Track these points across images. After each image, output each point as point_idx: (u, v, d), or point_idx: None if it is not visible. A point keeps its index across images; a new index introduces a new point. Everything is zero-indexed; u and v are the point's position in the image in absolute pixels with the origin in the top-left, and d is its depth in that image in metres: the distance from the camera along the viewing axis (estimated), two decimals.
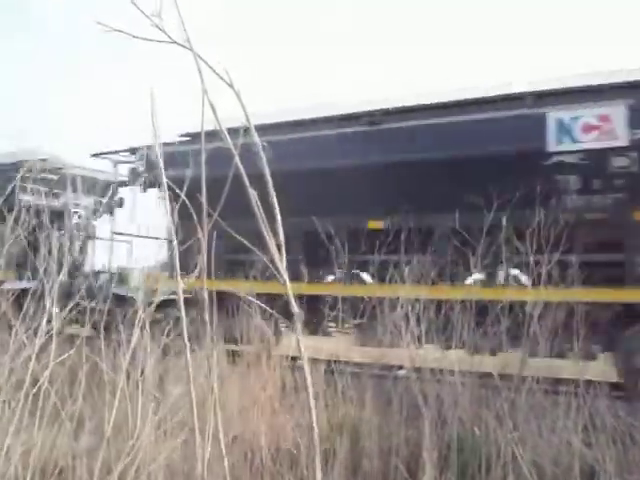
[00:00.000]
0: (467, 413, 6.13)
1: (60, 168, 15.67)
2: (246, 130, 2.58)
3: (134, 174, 14.20)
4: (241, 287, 9.84)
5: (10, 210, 7.27)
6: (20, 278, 12.86)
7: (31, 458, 4.08)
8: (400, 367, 7.68)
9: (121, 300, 11.42)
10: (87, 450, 4.30)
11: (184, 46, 2.60)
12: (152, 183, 13.44)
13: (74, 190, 15.68)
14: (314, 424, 2.50)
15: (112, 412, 3.77)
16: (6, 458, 3.89)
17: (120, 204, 15.65)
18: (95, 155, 15.32)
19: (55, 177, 15.44)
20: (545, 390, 6.36)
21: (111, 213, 15.91)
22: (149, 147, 12.51)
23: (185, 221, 3.24)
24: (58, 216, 14.81)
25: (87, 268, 15.98)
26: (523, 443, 5.33)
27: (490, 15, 51.60)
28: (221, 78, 2.55)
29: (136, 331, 3.85)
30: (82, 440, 4.38)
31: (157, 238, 14.13)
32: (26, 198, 13.06)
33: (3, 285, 11.01)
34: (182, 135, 13.26)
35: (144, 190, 13.87)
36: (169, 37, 2.58)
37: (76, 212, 15.71)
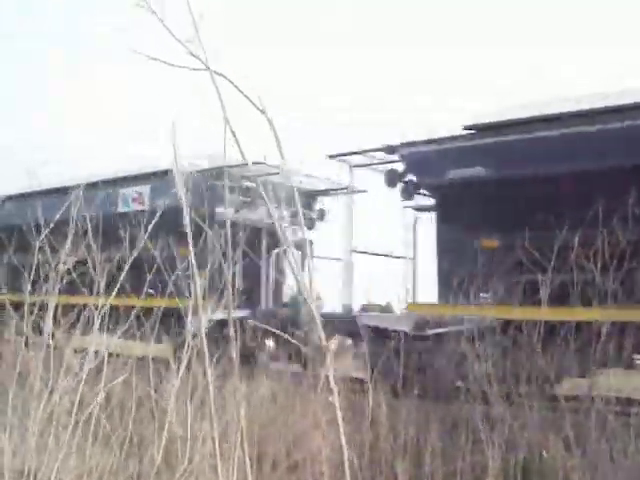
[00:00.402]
0: (535, 437, 5.90)
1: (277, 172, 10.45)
2: None
3: (393, 177, 11.33)
4: None
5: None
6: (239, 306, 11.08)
7: None
8: None
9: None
10: (137, 475, 4.30)
11: (218, 73, 2.60)
12: (417, 186, 10.84)
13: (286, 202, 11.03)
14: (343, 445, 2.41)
15: (162, 437, 3.76)
16: None
17: (321, 216, 14.39)
18: (332, 157, 12.46)
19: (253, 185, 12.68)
20: (615, 412, 6.05)
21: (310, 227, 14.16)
22: (409, 144, 10.65)
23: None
24: (268, 233, 13.35)
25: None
26: (593, 467, 5.10)
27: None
28: (254, 104, 2.53)
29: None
30: (131, 465, 4.37)
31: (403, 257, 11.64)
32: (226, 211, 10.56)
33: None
34: (466, 127, 9.95)
35: (409, 197, 11.04)
36: (205, 65, 2.58)
37: (294, 227, 12.35)
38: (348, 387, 6.94)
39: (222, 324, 3.61)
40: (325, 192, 14.20)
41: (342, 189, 13.44)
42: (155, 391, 4.39)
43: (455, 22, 47.85)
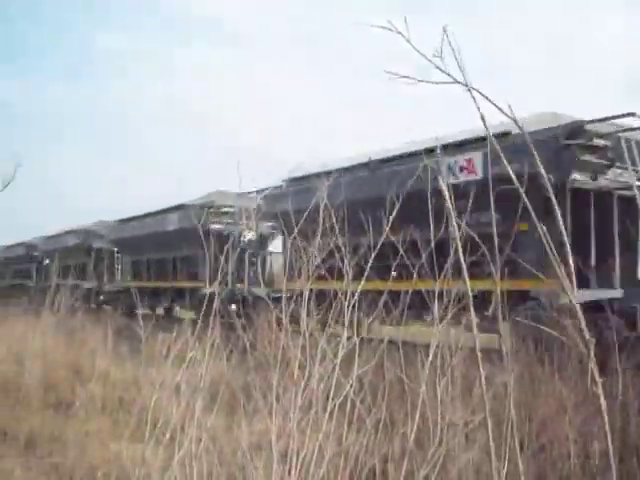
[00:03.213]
0: None
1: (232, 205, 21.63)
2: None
3: (258, 210, 19.83)
4: None
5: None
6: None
7: (341, 461, 4.34)
8: None
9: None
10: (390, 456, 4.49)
11: (465, 85, 2.67)
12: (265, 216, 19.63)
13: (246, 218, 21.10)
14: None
15: (415, 419, 3.92)
16: (320, 461, 4.19)
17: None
18: (241, 194, 18.06)
19: (232, 209, 21.60)
20: None
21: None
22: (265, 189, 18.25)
23: None
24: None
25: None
26: None
27: None
28: (503, 112, 2.57)
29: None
30: (390, 444, 4.57)
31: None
32: (215, 227, 20.45)
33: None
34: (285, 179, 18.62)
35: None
36: (452, 78, 2.67)
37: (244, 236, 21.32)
38: None
39: None
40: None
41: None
42: (406, 375, 4.56)
43: None
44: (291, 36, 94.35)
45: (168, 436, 4.37)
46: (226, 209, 22.18)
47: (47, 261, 36.97)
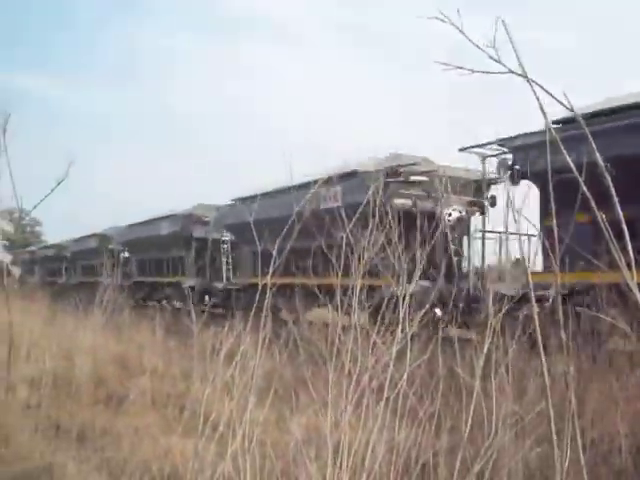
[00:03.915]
0: None
1: (430, 171, 15.53)
2: None
3: (503, 167, 13.58)
4: None
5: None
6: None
7: (394, 455, 4.33)
8: None
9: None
10: (447, 449, 4.47)
11: (521, 75, 2.63)
12: (524, 174, 12.41)
13: (446, 191, 14.85)
14: None
15: (469, 412, 3.89)
16: (372, 454, 4.19)
17: (492, 203, 15.06)
18: (462, 150, 14.53)
19: (426, 179, 15.46)
20: None
21: (482, 213, 15.47)
22: (516, 137, 12.76)
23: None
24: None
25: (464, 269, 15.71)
26: None
27: None
28: (561, 103, 2.53)
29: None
30: (442, 439, 4.55)
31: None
32: (399, 202, 14.58)
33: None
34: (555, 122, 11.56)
35: (515, 183, 12.87)
36: (506, 67, 2.63)
37: (449, 214, 15.14)
38: None
39: None
40: (494, 181, 15.08)
41: (498, 179, 14.64)
42: (459, 368, 4.53)
43: None
44: (339, 26, 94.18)
45: (221, 429, 4.40)
46: (206, 219, 26.43)
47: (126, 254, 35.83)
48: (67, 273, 45.03)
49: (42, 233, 65.64)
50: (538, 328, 2.74)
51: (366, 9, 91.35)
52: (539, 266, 10.30)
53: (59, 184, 5.20)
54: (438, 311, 11.58)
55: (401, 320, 4.35)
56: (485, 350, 3.93)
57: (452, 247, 14.85)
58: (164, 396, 8.96)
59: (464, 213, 15.45)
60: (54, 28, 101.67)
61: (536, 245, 9.88)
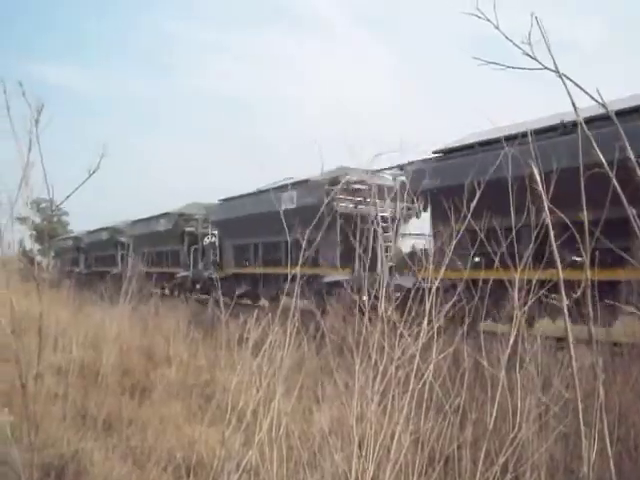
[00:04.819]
0: None
1: (362, 181, 18.59)
2: None
3: (403, 187, 16.32)
4: None
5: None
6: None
7: (419, 446, 4.36)
8: None
9: None
10: (471, 441, 4.49)
11: (554, 71, 2.64)
12: (415, 192, 14.74)
13: (380, 198, 16.98)
14: None
15: (494, 405, 3.91)
16: (398, 446, 4.22)
17: (417, 214, 17.71)
18: (376, 171, 17.93)
19: (365, 188, 18.39)
20: None
21: (418, 217, 17.94)
22: (411, 163, 16.08)
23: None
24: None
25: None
26: None
27: None
28: (593, 99, 2.54)
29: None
30: (466, 431, 4.57)
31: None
32: (342, 205, 18.71)
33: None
34: (435, 152, 15.83)
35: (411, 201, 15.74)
36: (540, 64, 2.64)
37: (382, 217, 17.00)
38: None
39: None
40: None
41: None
42: (486, 361, 4.55)
43: None
44: (369, 21, 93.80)
45: (249, 417, 4.45)
46: (197, 217, 29.58)
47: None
48: (84, 263, 47.42)
49: (68, 223, 66.03)
50: (568, 321, 2.75)
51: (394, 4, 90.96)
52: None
53: (90, 176, 5.23)
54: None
55: (427, 312, 4.39)
56: (511, 342, 3.94)
57: (383, 244, 16.79)
58: (189, 386, 9.04)
59: (398, 217, 17.32)
60: (86, 19, 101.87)
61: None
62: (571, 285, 3.19)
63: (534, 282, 4.46)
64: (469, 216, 4.78)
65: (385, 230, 17.02)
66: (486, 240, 5.09)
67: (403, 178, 17.09)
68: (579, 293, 3.02)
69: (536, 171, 3.23)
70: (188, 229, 30.89)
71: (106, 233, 40.77)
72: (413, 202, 16.27)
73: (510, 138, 10.92)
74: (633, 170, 2.88)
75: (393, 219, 17.08)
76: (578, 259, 3.89)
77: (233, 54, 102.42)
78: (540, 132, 11.44)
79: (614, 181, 3.07)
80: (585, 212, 3.16)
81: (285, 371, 4.60)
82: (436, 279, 4.53)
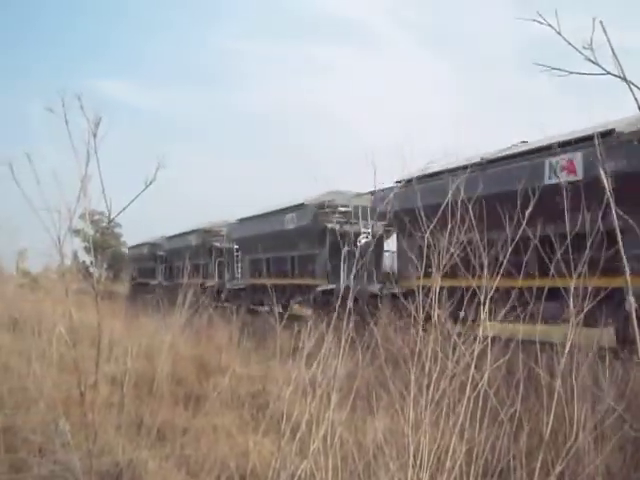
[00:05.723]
0: None
1: (344, 205, 22.56)
2: None
3: (373, 210, 20.45)
4: None
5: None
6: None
7: (473, 456, 4.34)
8: None
9: None
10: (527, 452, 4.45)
11: (618, 77, 2.63)
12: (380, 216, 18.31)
13: (364, 217, 21.79)
14: None
15: (550, 414, 3.87)
16: (452, 455, 4.20)
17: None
18: (358, 195, 22.08)
19: (350, 209, 22.29)
20: None
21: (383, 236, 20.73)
22: (383, 190, 17.58)
23: None
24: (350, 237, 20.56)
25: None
26: None
27: None
28: None
29: None
30: (521, 441, 4.53)
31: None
32: (330, 225, 22.07)
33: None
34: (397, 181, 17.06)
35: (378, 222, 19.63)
36: (603, 69, 2.64)
37: (365, 233, 21.21)
38: None
39: None
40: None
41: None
42: (542, 370, 4.51)
43: None
44: (417, 27, 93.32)
45: (303, 427, 4.48)
46: (222, 233, 33.61)
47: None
48: (163, 273, 48.56)
49: (121, 234, 66.85)
50: (637, 325, 2.73)
51: (434, 9, 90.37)
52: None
53: (147, 187, 5.34)
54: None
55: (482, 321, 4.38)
56: (567, 351, 3.91)
57: (367, 258, 18.60)
58: (242, 396, 9.10)
59: (379, 234, 20.30)
60: (139, 36, 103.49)
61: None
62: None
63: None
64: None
65: (367, 245, 19.84)
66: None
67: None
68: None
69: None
70: (215, 244, 34.70)
71: (195, 236, 39.73)
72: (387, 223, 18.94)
73: (452, 170, 12.86)
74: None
75: (374, 235, 20.20)
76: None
77: (289, 66, 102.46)
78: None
79: None
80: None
81: (339, 381, 4.62)
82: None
